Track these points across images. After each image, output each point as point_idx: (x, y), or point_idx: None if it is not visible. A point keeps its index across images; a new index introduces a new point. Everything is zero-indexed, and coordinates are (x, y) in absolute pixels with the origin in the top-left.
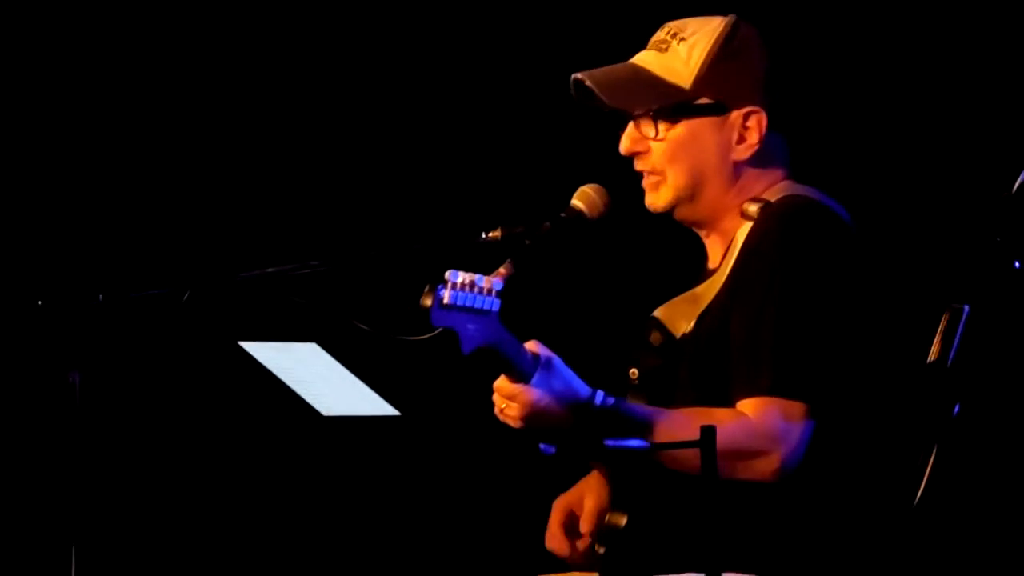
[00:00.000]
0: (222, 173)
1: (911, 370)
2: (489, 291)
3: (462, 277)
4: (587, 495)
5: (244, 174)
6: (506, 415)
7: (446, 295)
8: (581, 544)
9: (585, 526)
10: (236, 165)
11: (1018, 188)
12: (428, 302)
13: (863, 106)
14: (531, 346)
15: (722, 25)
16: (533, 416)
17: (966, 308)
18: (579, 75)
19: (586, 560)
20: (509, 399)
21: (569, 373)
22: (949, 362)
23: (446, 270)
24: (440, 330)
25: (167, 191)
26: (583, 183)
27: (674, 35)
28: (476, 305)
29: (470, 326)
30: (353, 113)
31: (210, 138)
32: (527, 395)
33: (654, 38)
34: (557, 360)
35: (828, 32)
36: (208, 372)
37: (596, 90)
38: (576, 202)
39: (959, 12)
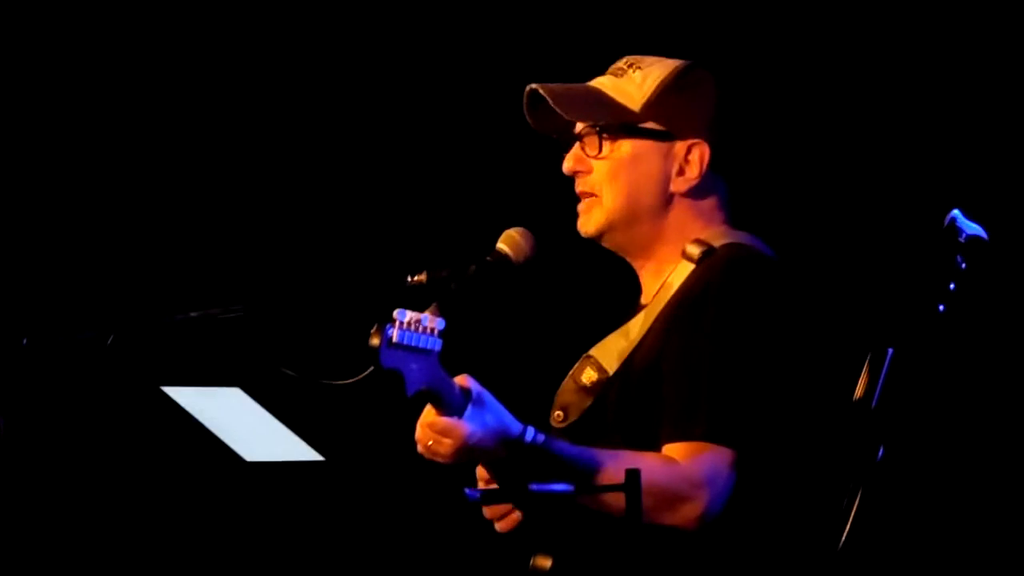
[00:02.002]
0: (146, 218)
1: (836, 413)
2: (432, 330)
3: (409, 316)
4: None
5: (168, 219)
6: (434, 451)
7: (394, 334)
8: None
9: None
10: (160, 209)
11: (942, 232)
12: (376, 341)
13: (793, 151)
14: (461, 381)
15: (679, 62)
16: (464, 452)
17: (890, 351)
18: (534, 85)
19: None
20: (441, 435)
21: (501, 408)
22: (873, 405)
23: (379, 313)
24: (364, 374)
25: (92, 235)
26: (509, 226)
27: (631, 64)
28: (420, 344)
29: (413, 366)
30: (276, 160)
31: (133, 183)
32: (459, 430)
33: (613, 66)
34: (488, 395)
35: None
36: (131, 417)
37: (549, 99)
38: (501, 246)
39: (880, 61)
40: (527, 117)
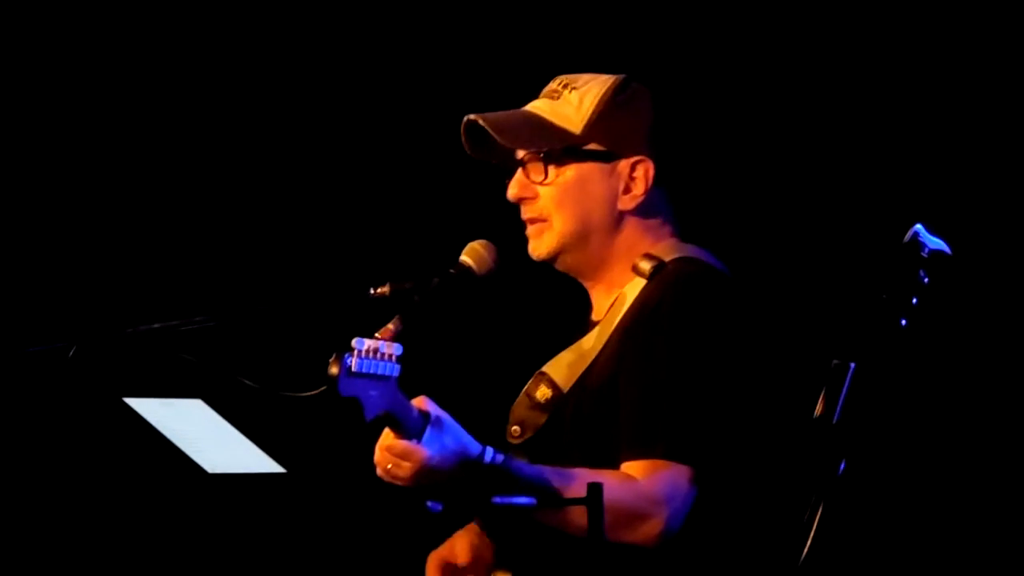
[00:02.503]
0: (108, 228)
1: (797, 428)
2: (390, 356)
3: (367, 344)
4: (458, 542)
5: (131, 230)
6: (394, 475)
7: (353, 363)
8: None
9: (463, 558)
10: (122, 220)
11: (904, 246)
12: (335, 370)
13: (750, 163)
14: (419, 403)
15: (614, 78)
16: (423, 474)
17: (852, 365)
18: (472, 116)
19: None
20: (400, 458)
21: (459, 430)
22: (835, 419)
23: (340, 330)
24: (325, 387)
25: (54, 246)
26: (472, 239)
27: (566, 85)
28: (379, 372)
29: (372, 392)
30: (241, 168)
31: (97, 196)
32: (418, 454)
33: (546, 88)
34: (447, 417)
35: (713, 89)
36: (93, 428)
37: (489, 130)
38: (465, 258)
39: (844, 69)
40: (465, 146)
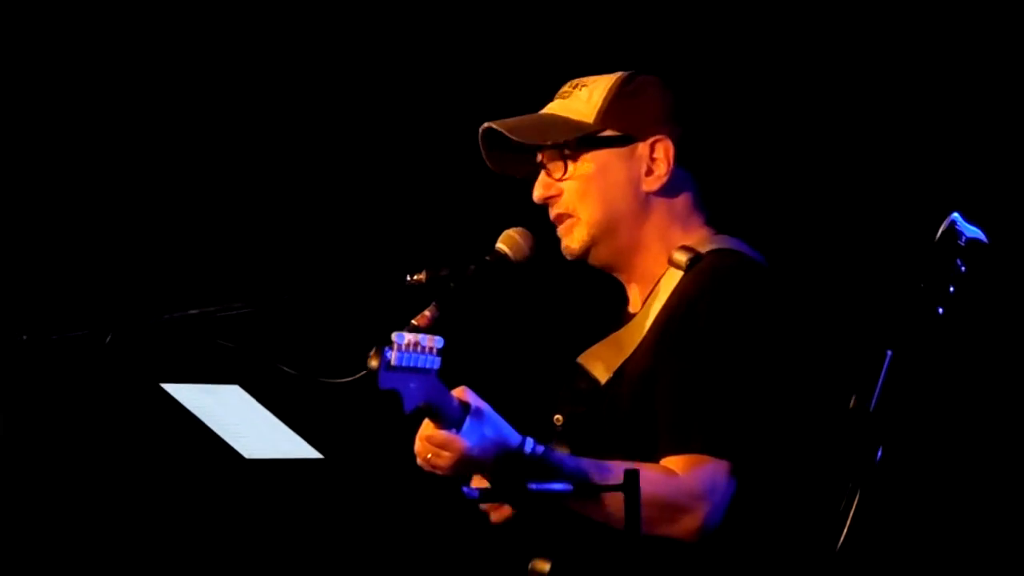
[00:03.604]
0: (145, 215)
1: (833, 417)
2: (431, 349)
3: (407, 338)
4: None
5: (168, 216)
6: (433, 464)
7: (393, 357)
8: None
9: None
10: (159, 207)
11: (941, 235)
12: (375, 364)
13: (788, 151)
14: (460, 393)
15: (621, 73)
16: (463, 464)
17: (889, 353)
18: (487, 124)
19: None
20: (440, 448)
21: (499, 420)
22: (872, 407)
23: (376, 316)
24: (363, 373)
25: (91, 233)
26: (508, 226)
27: (576, 86)
28: (419, 365)
29: (412, 385)
30: (277, 157)
31: (134, 180)
32: (457, 444)
33: (558, 93)
34: (487, 408)
35: (740, 70)
36: (130, 415)
37: (504, 131)
38: (501, 245)
39: (881, 55)
40: (486, 161)
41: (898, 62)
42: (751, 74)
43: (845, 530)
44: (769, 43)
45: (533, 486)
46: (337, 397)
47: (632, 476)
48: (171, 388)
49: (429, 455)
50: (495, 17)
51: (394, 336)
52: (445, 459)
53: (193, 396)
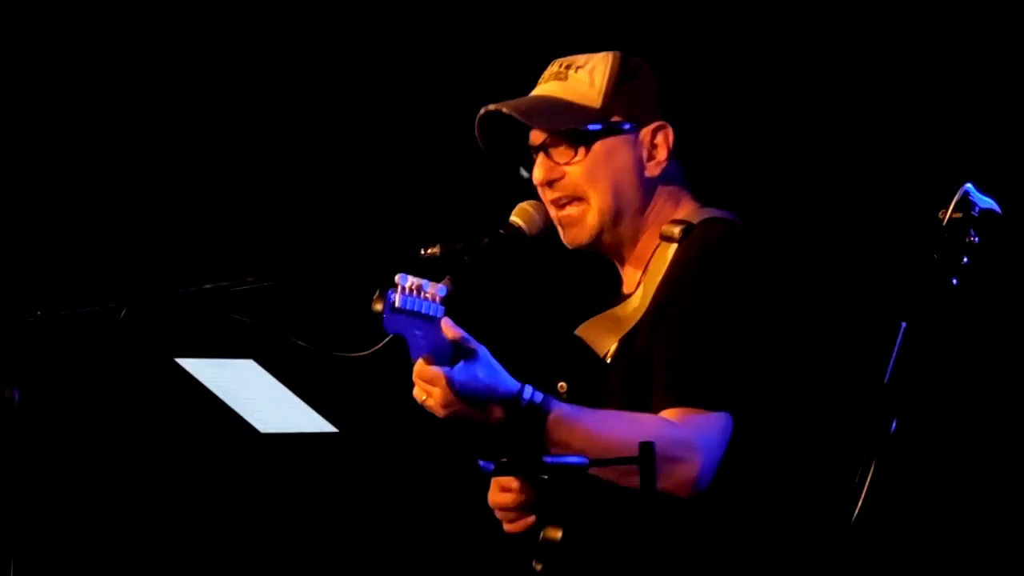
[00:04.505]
0: (159, 189)
1: (847, 387)
2: (434, 297)
3: (410, 281)
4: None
5: (181, 191)
6: (426, 404)
7: (396, 298)
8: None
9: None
10: (172, 182)
11: (955, 206)
12: (379, 307)
13: (795, 123)
14: (451, 333)
15: (613, 54)
16: (452, 402)
17: (903, 324)
18: (492, 106)
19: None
20: (428, 383)
21: (495, 365)
22: (887, 379)
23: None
24: (378, 346)
25: (104, 207)
26: (522, 199)
27: (568, 67)
28: (423, 310)
29: (417, 332)
30: (290, 131)
31: (147, 156)
32: (445, 380)
33: (548, 72)
34: (483, 351)
35: (740, 48)
36: (145, 389)
37: (516, 115)
38: (515, 218)
39: (893, 25)
40: (479, 141)
41: (910, 29)
42: (744, 53)
43: (860, 502)
44: (762, 18)
45: (549, 459)
46: (351, 371)
47: (647, 449)
48: (186, 363)
49: (424, 396)
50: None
51: (398, 278)
52: (435, 396)
53: (208, 370)
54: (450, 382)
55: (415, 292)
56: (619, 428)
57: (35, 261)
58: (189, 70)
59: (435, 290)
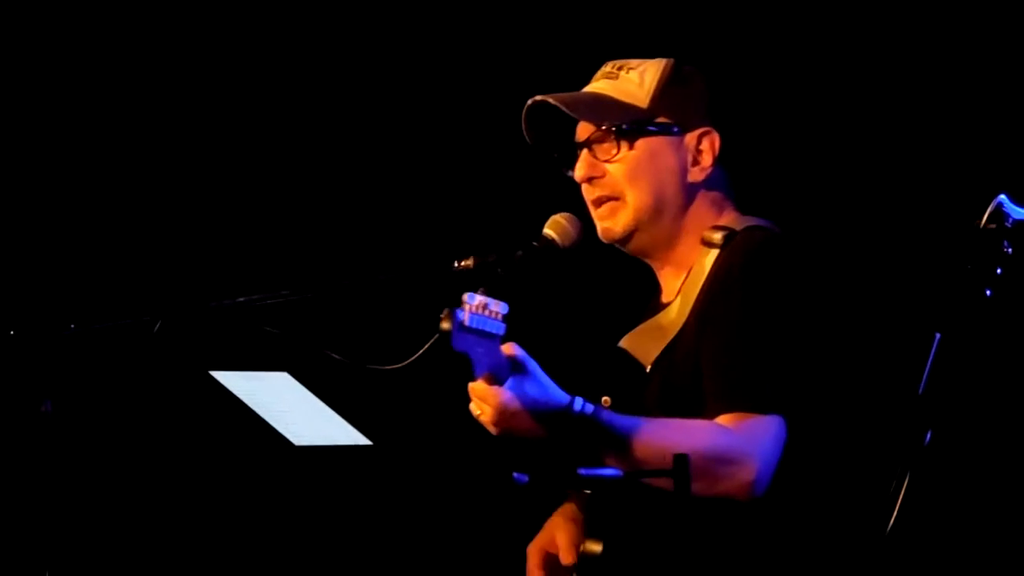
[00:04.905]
0: (193, 203)
1: (884, 398)
2: (497, 315)
3: (477, 300)
4: (558, 533)
5: (215, 204)
6: (480, 419)
7: (466, 317)
8: None
9: (566, 559)
10: (206, 196)
11: (988, 217)
12: (447, 325)
13: (837, 134)
14: (508, 350)
15: (666, 59)
16: (504, 418)
17: (938, 336)
18: (540, 97)
19: None
20: (480, 399)
21: (545, 379)
22: (921, 390)
23: (424, 303)
24: (412, 359)
25: (139, 221)
26: (556, 212)
27: (620, 67)
28: (488, 329)
29: (480, 350)
30: (323, 143)
31: (180, 169)
32: (499, 398)
33: (600, 71)
34: (534, 366)
35: (778, 57)
36: (179, 402)
37: (562, 107)
38: (548, 231)
39: (926, 33)
40: (525, 134)
41: (945, 42)
42: (787, 59)
43: (895, 513)
44: (807, 25)
45: (584, 471)
46: (386, 383)
47: (681, 460)
48: (220, 375)
49: (479, 412)
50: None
51: (465, 297)
52: (487, 412)
53: (242, 383)
54: (501, 399)
55: (482, 310)
56: (673, 436)
57: (69, 274)
58: (229, 85)
59: (498, 308)
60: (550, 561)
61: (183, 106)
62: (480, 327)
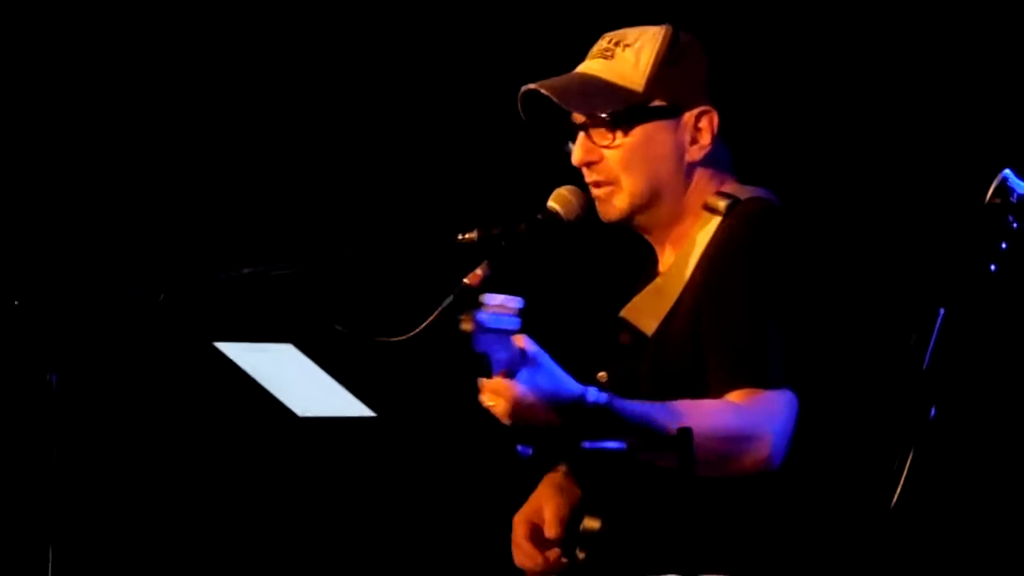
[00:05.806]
0: (198, 174)
1: (888, 373)
2: (513, 310)
3: (496, 300)
4: (545, 504)
5: (220, 175)
6: (493, 411)
7: (486, 318)
8: (552, 554)
9: (551, 532)
10: (212, 166)
11: (993, 192)
12: (469, 327)
13: (840, 107)
14: (519, 342)
15: (664, 30)
16: (518, 411)
17: (942, 311)
18: (532, 85)
19: (557, 569)
20: (493, 392)
21: (556, 370)
22: (925, 365)
23: (428, 275)
24: (416, 331)
25: (144, 192)
26: (560, 185)
27: (617, 43)
28: (505, 327)
29: (497, 346)
30: (328, 115)
31: (185, 140)
32: (511, 390)
33: (596, 47)
34: (544, 357)
35: (800, 34)
36: (184, 373)
37: (553, 97)
38: (552, 204)
39: (935, 13)
40: (522, 115)
41: (954, 17)
42: (788, 32)
43: (899, 489)
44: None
45: (587, 444)
46: (390, 356)
47: (684, 434)
48: (225, 347)
49: (491, 403)
50: None
51: (483, 298)
52: (500, 406)
53: (246, 355)
54: (515, 392)
55: (499, 310)
56: (688, 420)
57: (73, 244)
58: (230, 59)
59: (514, 304)
60: (537, 532)
61: (186, 78)
62: (500, 327)
